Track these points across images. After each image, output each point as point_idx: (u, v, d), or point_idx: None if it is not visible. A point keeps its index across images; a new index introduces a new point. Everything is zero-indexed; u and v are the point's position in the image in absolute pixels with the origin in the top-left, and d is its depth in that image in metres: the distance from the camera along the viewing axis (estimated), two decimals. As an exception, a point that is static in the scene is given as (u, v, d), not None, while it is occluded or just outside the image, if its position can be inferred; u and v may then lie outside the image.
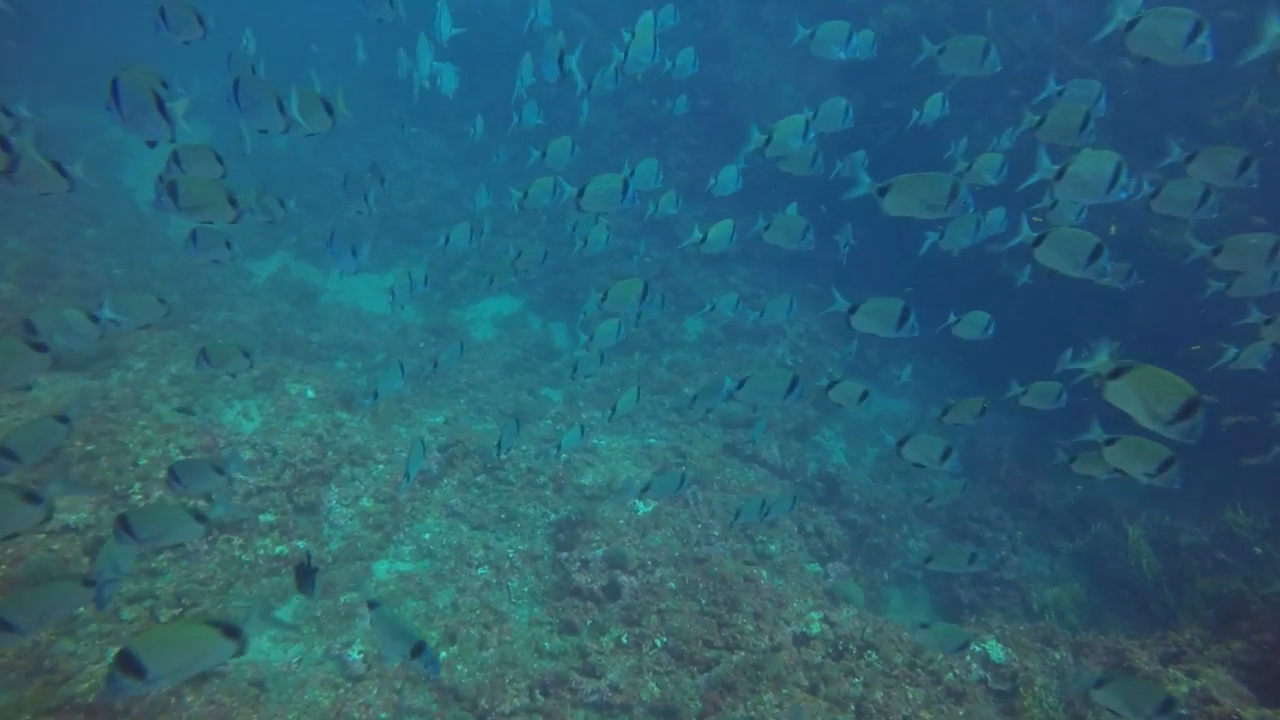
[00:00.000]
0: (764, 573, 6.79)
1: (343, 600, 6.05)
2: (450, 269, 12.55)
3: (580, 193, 4.90)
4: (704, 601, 6.21)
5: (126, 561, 3.77)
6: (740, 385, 4.56)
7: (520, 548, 6.95)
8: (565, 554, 6.74)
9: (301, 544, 6.34)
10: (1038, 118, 4.54)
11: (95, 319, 3.80)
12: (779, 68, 11.93)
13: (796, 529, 7.97)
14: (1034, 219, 4.57)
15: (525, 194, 5.94)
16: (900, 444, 4.65)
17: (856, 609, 6.75)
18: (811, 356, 10.86)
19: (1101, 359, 2.97)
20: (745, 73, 12.04)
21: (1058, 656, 6.00)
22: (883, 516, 9.26)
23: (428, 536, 6.96)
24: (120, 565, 3.68)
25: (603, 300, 5.03)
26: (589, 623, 6.08)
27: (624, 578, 6.36)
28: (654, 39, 5.32)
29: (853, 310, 4.19)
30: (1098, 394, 3.00)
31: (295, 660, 5.57)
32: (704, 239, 5.54)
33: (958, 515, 9.64)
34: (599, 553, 6.62)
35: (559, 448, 6.21)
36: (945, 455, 4.56)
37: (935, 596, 8.90)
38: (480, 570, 6.66)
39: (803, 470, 9.17)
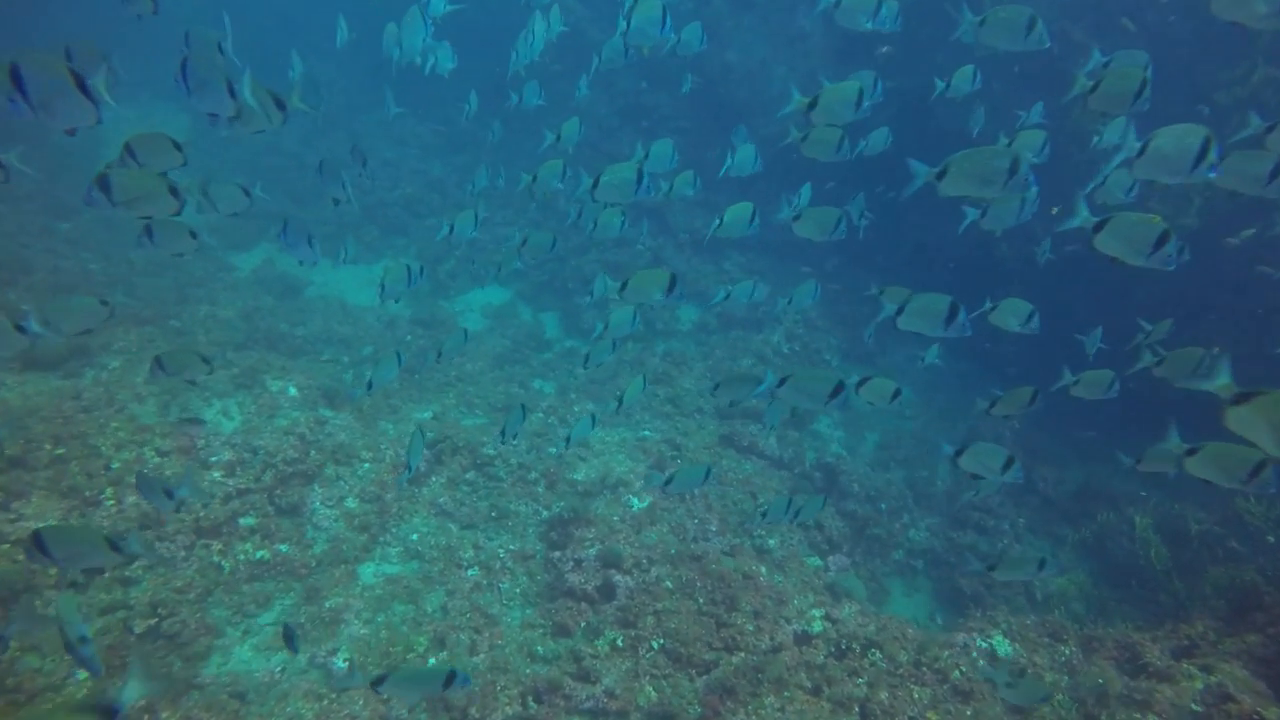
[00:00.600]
0: (763, 569, 6.60)
1: (327, 605, 5.83)
2: (439, 259, 12.27)
3: (594, 183, 4.66)
4: (702, 601, 6.02)
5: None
6: (781, 383, 4.21)
7: (511, 547, 6.74)
8: (558, 553, 6.53)
9: (285, 548, 6.12)
10: (1091, 82, 4.25)
11: (22, 329, 3.54)
12: (772, 48, 11.63)
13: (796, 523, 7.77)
14: (1052, 210, 4.31)
15: (535, 177, 5.73)
16: (957, 454, 4.28)
17: (859, 604, 6.57)
18: (809, 344, 10.64)
19: (1223, 380, 2.69)
20: (737, 53, 11.73)
21: (1066, 651, 5.83)
22: (883, 506, 9.08)
23: (415, 537, 6.74)
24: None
25: (622, 290, 4.63)
26: (583, 625, 5.87)
27: (619, 577, 6.16)
28: (662, 9, 4.87)
29: (900, 311, 3.95)
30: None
31: (278, 669, 5.35)
32: (721, 223, 5.22)
33: (956, 504, 9.48)
34: (593, 551, 6.41)
35: (569, 440, 5.85)
36: (1008, 465, 4.18)
37: (937, 587, 8.74)
38: (470, 572, 6.45)
39: (801, 461, 8.97)
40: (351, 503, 6.78)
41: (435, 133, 14.82)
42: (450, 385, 9.65)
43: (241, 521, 6.04)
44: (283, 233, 4.33)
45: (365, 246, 12.78)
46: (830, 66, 11.05)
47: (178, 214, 3.47)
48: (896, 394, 4.45)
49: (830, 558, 7.80)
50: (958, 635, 6.02)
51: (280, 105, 3.52)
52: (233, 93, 3.24)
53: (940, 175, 3.66)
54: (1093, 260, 9.19)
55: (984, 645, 5.90)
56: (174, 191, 3.43)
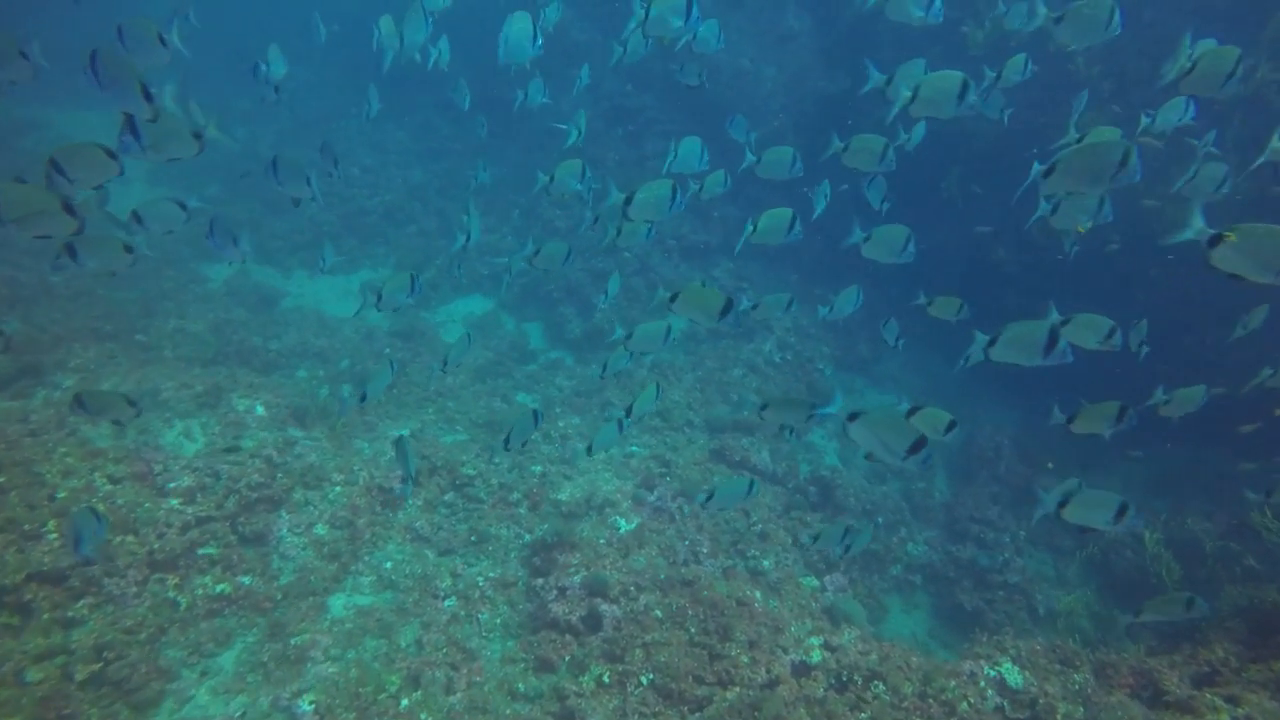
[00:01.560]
0: (758, 593, 6.25)
1: (293, 642, 5.44)
2: (419, 267, 11.89)
3: (627, 200, 4.36)
4: (693, 630, 5.66)
5: None
6: (853, 418, 3.55)
7: (491, 574, 6.37)
8: (541, 580, 6.16)
9: (248, 580, 5.72)
10: (1189, 64, 4.11)
11: None
12: (760, 48, 11.35)
13: (791, 540, 7.45)
14: (1079, 228, 4.08)
15: (552, 178, 5.46)
16: (1061, 505, 3.84)
17: (859, 630, 6.23)
18: (800, 352, 10.33)
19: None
20: (725, 54, 11.45)
21: (1079, 679, 5.50)
22: (880, 520, 8.78)
23: (389, 565, 6.36)
24: None
25: (671, 301, 4.20)
26: (567, 659, 5.51)
27: (605, 606, 5.79)
28: None
29: (992, 343, 3.68)
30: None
31: (238, 714, 4.96)
32: (754, 229, 4.78)
33: (957, 516, 9.18)
34: (577, 579, 6.05)
35: (590, 448, 5.26)
36: (1121, 513, 3.74)
37: (937, 603, 8.44)
38: (447, 602, 6.07)
39: (795, 474, 8.64)
40: (321, 529, 6.39)
41: (415, 137, 14.44)
42: (429, 400, 9.27)
43: (201, 552, 5.64)
44: (209, 234, 3.92)
45: (344, 256, 12.38)
46: (820, 67, 10.79)
47: (78, 232, 3.09)
48: (951, 426, 4.05)
49: (827, 577, 7.47)
50: (964, 664, 5.69)
51: (196, 135, 3.11)
52: (149, 95, 2.86)
53: (1048, 173, 3.47)
54: (1095, 262, 8.94)
55: (992, 674, 5.56)
56: (69, 209, 3.04)
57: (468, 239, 6.05)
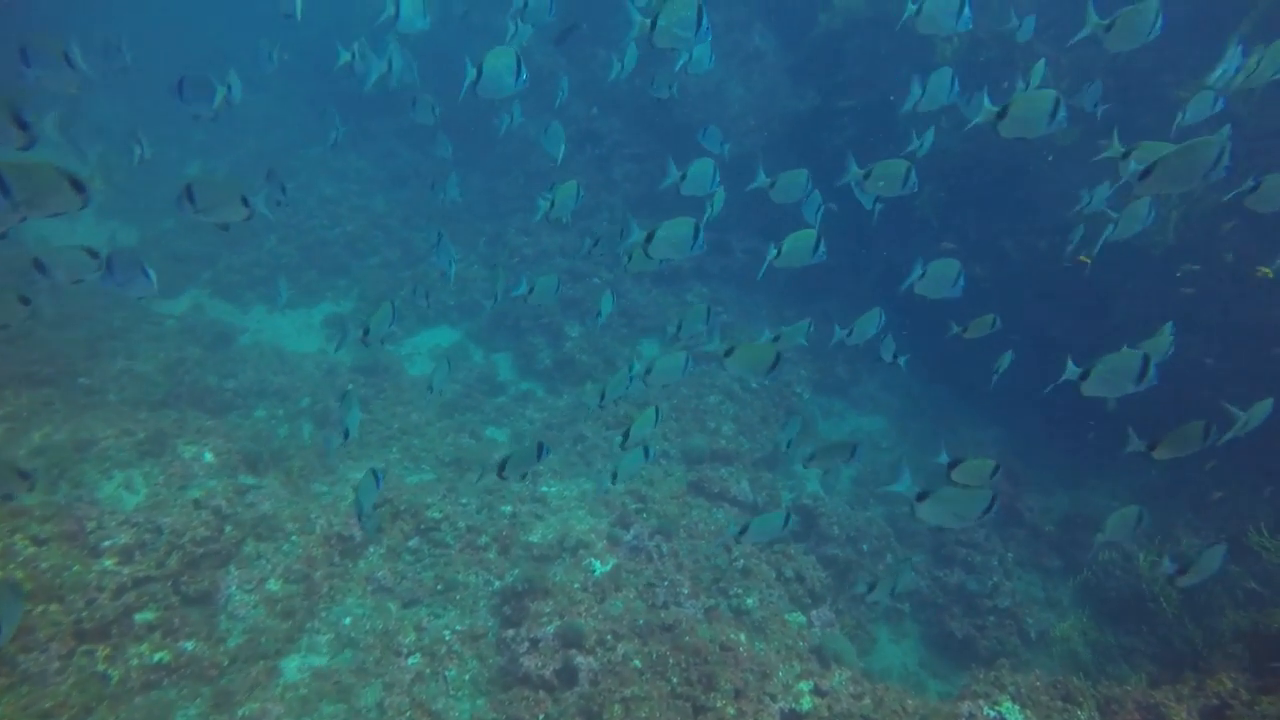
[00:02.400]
0: (742, 636, 5.91)
1: (240, 715, 4.99)
2: (384, 299, 11.49)
3: (648, 238, 4.19)
4: (675, 681, 5.30)
5: None
6: (922, 498, 3.58)
7: (459, 626, 5.96)
8: (512, 631, 5.77)
9: (191, 645, 5.26)
10: (1256, 59, 4.25)
11: None
12: (726, 68, 11.22)
13: (775, 575, 7.12)
14: (1080, 259, 4.02)
15: (553, 203, 5.43)
16: (1179, 572, 3.96)
17: (850, 670, 5.91)
18: (778, 376, 10.07)
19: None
20: (693, 75, 11.29)
21: (1083, 716, 5.23)
22: (865, 547, 8.49)
23: (348, 621, 5.92)
24: None
25: (726, 356, 4.26)
26: (541, 718, 5.11)
27: (580, 659, 5.42)
28: (698, 9, 4.28)
29: (1085, 376, 3.72)
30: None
31: (177, 799, 4.50)
32: (779, 253, 4.63)
33: (943, 540, 8.93)
34: (550, 628, 5.67)
35: (615, 475, 5.03)
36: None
37: (925, 631, 8.16)
38: (412, 659, 5.65)
39: (776, 504, 8.34)
40: (274, 585, 5.95)
41: (377, 165, 14.10)
42: (393, 439, 8.86)
43: (138, 618, 5.18)
44: (107, 268, 3.53)
45: (304, 289, 11.96)
46: (788, 85, 10.67)
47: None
48: (996, 470, 4.01)
49: (814, 611, 7.14)
50: (962, 704, 5.39)
51: (78, 187, 2.74)
52: (22, 123, 2.51)
53: (1144, 174, 3.47)
54: (1072, 278, 8.83)
55: (992, 714, 5.27)
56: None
57: (452, 266, 5.77)
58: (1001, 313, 9.60)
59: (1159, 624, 6.09)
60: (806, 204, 6.16)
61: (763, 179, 5.11)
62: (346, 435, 4.68)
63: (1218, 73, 4.66)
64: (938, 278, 4.84)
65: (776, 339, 5.42)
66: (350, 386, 9.97)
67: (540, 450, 4.47)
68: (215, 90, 4.17)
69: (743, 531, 4.57)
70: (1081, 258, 4.44)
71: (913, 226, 9.63)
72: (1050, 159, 8.83)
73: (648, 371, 4.84)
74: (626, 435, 4.88)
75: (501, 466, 4.42)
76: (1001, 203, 9.35)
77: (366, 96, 14.44)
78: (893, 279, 10.47)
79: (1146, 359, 3.65)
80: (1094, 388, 3.73)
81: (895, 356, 5.96)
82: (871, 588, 4.96)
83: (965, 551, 8.57)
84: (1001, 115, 3.95)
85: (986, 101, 4.08)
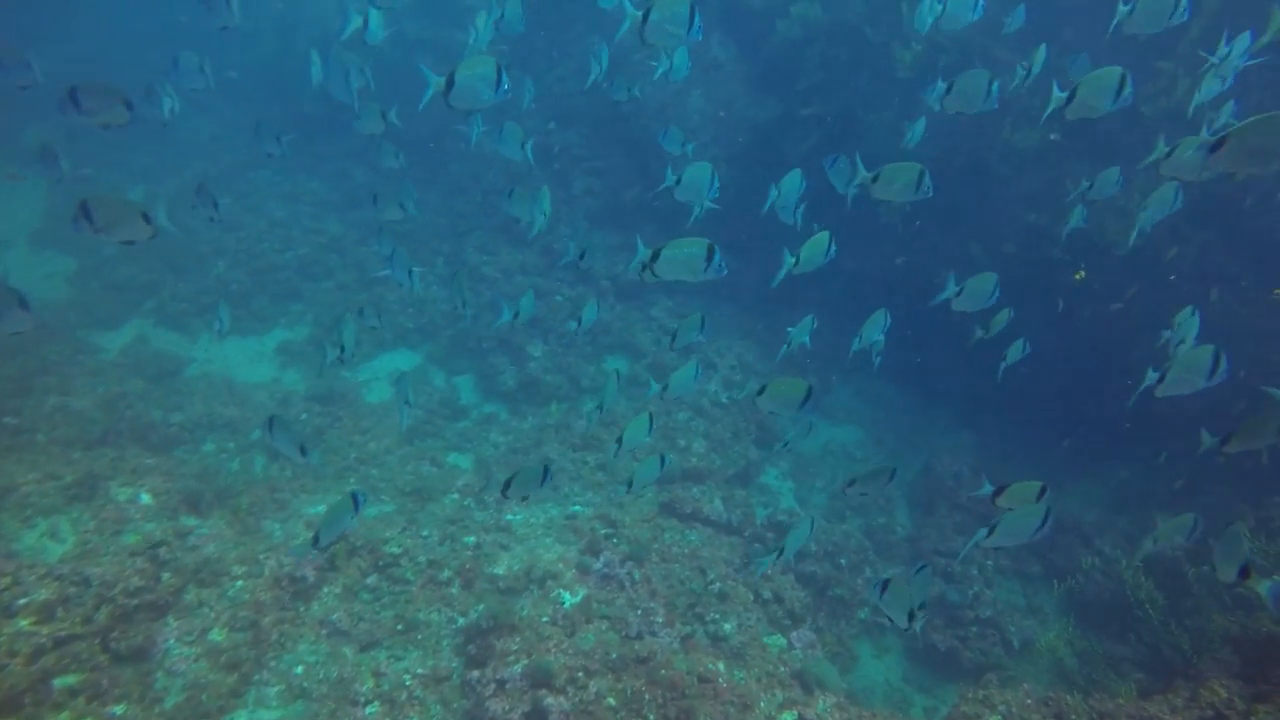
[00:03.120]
0: (721, 665, 5.63)
1: (177, 783, 4.56)
2: (338, 317, 11.07)
3: (653, 257, 4.03)
4: (652, 718, 4.99)
5: None
6: (991, 531, 3.80)
7: (421, 670, 5.58)
8: (477, 672, 5.41)
9: (121, 709, 4.81)
10: None
11: None
12: (686, 78, 11.05)
13: (752, 598, 6.86)
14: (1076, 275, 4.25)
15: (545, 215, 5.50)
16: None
17: (834, 696, 5.65)
18: (746, 389, 9.86)
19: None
20: (649, 86, 11.13)
21: (1076, 734, 5.03)
22: (843, 562, 8.27)
23: (300, 670, 5.51)
24: None
25: (760, 394, 4.44)
26: (509, 768, 4.77)
27: (550, 699, 5.08)
28: (690, 6, 4.20)
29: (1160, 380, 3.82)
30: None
31: None
32: (797, 261, 4.67)
33: (921, 550, 8.76)
34: (518, 667, 5.32)
35: (630, 485, 4.97)
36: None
37: (909, 645, 7.95)
38: (369, 708, 5.26)
39: (751, 522, 8.09)
40: (217, 634, 5.52)
41: (330, 186, 13.68)
42: (351, 469, 8.45)
43: (58, 683, 4.72)
44: None
45: (255, 316, 11.47)
46: (748, 94, 10.54)
47: None
48: (1044, 491, 4.05)
49: (794, 633, 6.88)
50: (952, 727, 5.16)
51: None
52: None
53: (1214, 148, 3.28)
54: (1041, 280, 8.77)
55: (984, 737, 5.05)
56: None
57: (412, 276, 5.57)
58: (971, 319, 9.52)
59: (1145, 631, 5.94)
60: (783, 209, 6.04)
61: (773, 195, 5.26)
62: (304, 450, 4.33)
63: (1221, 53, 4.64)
64: (976, 293, 5.03)
65: (788, 348, 5.74)
66: (304, 415, 9.52)
67: (545, 473, 4.42)
68: (116, 98, 3.83)
69: (780, 553, 4.75)
70: (1077, 274, 4.48)
71: (879, 234, 9.53)
72: (1012, 165, 8.81)
73: (665, 388, 5.08)
74: (619, 442, 5.00)
75: (506, 486, 4.38)
76: (965, 208, 9.29)
77: (317, 117, 14.08)
78: (857, 287, 10.39)
79: (1217, 354, 3.70)
80: (1170, 389, 3.84)
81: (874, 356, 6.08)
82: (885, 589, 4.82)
83: (945, 561, 8.41)
84: (1070, 99, 3.97)
85: (1055, 89, 4.07)
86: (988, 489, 4.08)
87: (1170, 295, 8.14)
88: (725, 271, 4.14)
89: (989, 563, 8.56)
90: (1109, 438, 9.25)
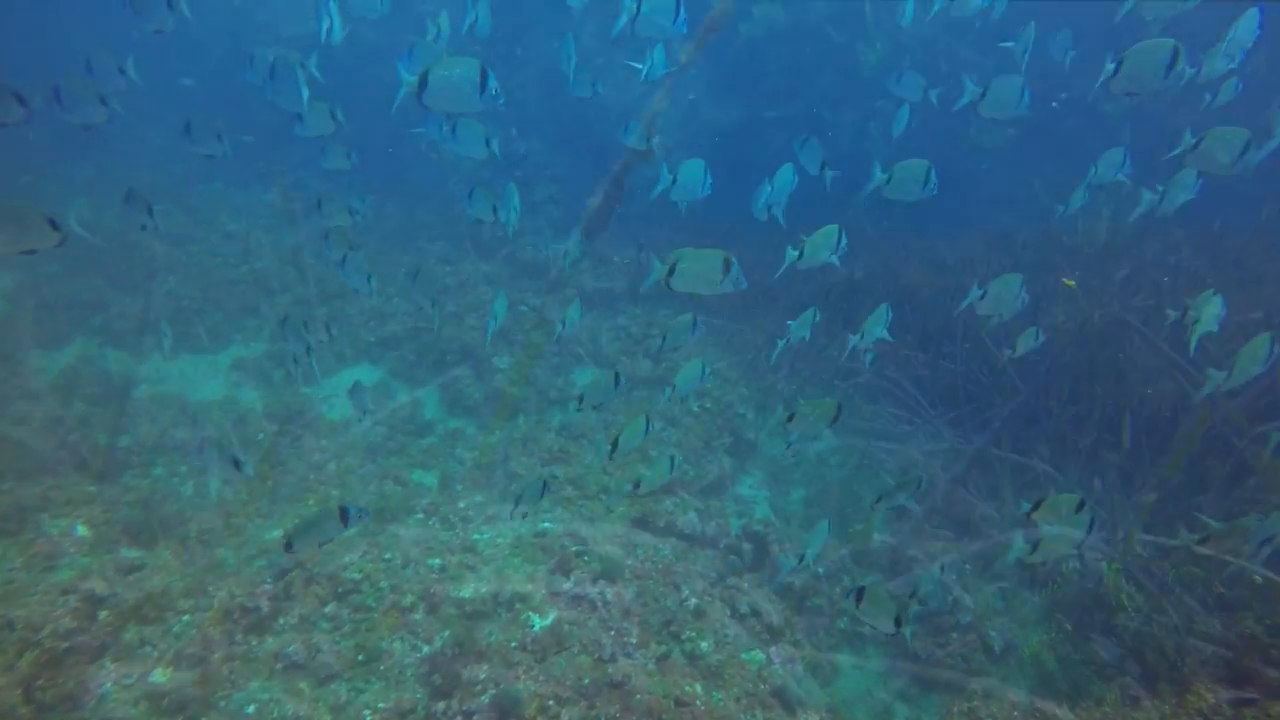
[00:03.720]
0: (699, 686, 5.41)
1: (113, 842, 4.20)
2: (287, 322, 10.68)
3: (670, 271, 4.01)
4: (628, 748, 4.75)
5: None
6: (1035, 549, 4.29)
7: (382, 704, 5.27)
8: (442, 704, 5.13)
9: (51, 762, 4.44)
10: None
11: None
12: (648, 82, 10.92)
13: (729, 613, 6.64)
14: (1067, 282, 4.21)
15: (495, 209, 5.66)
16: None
17: (816, 714, 5.47)
18: (720, 398, 9.68)
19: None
20: (611, 90, 10.96)
21: (1065, 746, 4.89)
22: (820, 570, 8.10)
23: (252, 709, 5.16)
24: None
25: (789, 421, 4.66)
26: (476, 809, 4.48)
27: (520, 732, 4.81)
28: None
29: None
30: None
31: None
32: (800, 254, 4.70)
33: (899, 556, 8.63)
34: (485, 698, 5.05)
35: (638, 484, 5.34)
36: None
37: (889, 654, 7.78)
38: (326, 749, 4.94)
39: (726, 533, 7.89)
40: (160, 675, 5.15)
41: (285, 197, 13.27)
42: (309, 489, 8.08)
43: (-24, 740, 4.34)
44: None
45: (209, 332, 11.04)
46: (712, 98, 10.41)
47: None
48: (1081, 505, 4.17)
49: (773, 648, 6.68)
50: (939, 744, 4.98)
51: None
52: None
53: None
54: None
55: (971, 754, 4.88)
56: None
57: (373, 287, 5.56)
58: (944, 320, 9.47)
59: (1127, 634, 5.84)
60: (775, 205, 5.92)
61: (767, 189, 5.32)
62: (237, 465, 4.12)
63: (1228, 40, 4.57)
64: (1002, 296, 5.06)
65: (786, 344, 5.83)
66: (261, 435, 9.14)
67: (544, 487, 4.97)
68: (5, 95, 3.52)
69: (800, 560, 5.15)
70: (1067, 282, 4.51)
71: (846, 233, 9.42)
72: (984, 166, 8.78)
73: (673, 388, 5.37)
74: (615, 445, 5.08)
75: (516, 501, 4.99)
76: (933, 208, 9.25)
77: (271, 125, 13.65)
78: (828, 291, 10.30)
79: (1273, 341, 3.83)
80: (1235, 380, 4.08)
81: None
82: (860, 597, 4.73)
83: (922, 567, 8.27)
84: (1116, 71, 3.88)
85: (1109, 64, 3.99)
86: (1025, 507, 4.18)
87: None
88: (745, 285, 4.04)
89: (967, 566, 8.46)
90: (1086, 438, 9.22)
